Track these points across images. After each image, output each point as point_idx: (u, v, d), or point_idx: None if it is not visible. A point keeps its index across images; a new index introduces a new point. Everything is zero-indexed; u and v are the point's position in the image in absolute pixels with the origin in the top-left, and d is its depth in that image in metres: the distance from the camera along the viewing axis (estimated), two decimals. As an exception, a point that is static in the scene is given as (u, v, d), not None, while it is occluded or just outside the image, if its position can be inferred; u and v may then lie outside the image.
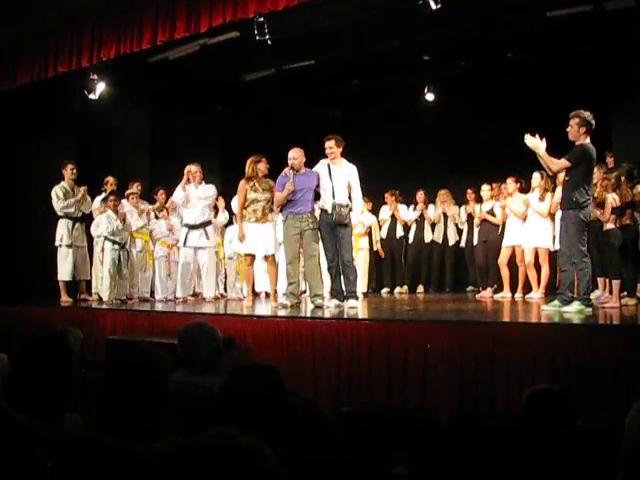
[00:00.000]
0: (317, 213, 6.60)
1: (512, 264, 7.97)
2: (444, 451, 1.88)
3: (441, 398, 4.42)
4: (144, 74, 9.06)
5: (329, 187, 6.46)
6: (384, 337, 4.73)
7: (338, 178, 6.49)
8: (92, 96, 8.37)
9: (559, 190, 6.49)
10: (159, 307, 7.57)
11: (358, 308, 6.36)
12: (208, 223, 8.00)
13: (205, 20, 6.28)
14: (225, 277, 9.18)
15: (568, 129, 5.46)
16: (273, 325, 5.42)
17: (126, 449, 1.93)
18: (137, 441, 1.94)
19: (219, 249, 8.89)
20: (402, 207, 9.78)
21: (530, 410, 2.76)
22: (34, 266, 8.50)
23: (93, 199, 8.44)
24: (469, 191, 9.13)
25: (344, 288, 6.49)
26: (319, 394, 4.88)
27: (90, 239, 8.33)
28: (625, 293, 6.34)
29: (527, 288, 7.82)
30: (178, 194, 7.84)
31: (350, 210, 6.50)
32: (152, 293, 8.57)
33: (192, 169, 7.82)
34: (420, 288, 9.69)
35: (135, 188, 8.60)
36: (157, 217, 8.59)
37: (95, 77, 8.24)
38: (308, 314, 6.06)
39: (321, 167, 6.61)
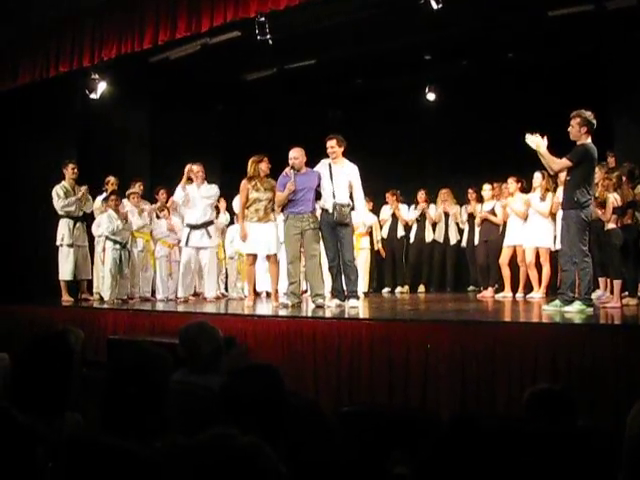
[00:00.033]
0: (318, 213, 6.60)
1: (513, 264, 7.97)
2: (445, 451, 1.88)
3: (442, 398, 4.41)
4: (145, 74, 9.06)
5: (330, 187, 6.46)
6: (385, 337, 4.73)
7: (339, 178, 6.48)
8: (93, 96, 8.39)
9: (560, 190, 6.49)
10: (160, 307, 7.58)
11: (359, 308, 6.36)
12: (210, 223, 7.99)
13: (206, 20, 6.29)
14: (226, 277, 9.18)
15: (569, 129, 5.46)
16: (274, 325, 5.42)
17: (127, 449, 1.93)
18: (138, 441, 1.95)
19: (219, 249, 8.89)
20: (403, 207, 9.77)
21: (531, 410, 2.75)
22: (35, 266, 8.52)
23: (94, 198, 8.45)
24: (470, 191, 9.11)
25: (345, 288, 6.49)
26: (320, 394, 4.87)
27: (91, 239, 8.33)
28: (626, 293, 6.35)
29: (528, 288, 7.81)
30: (178, 194, 7.85)
31: (351, 210, 6.50)
32: (153, 293, 8.57)
33: (194, 168, 7.82)
34: (421, 288, 9.69)
35: (137, 188, 8.61)
36: (158, 217, 8.60)
37: (96, 77, 8.25)
38: (309, 314, 6.07)
39: (322, 167, 6.60)
